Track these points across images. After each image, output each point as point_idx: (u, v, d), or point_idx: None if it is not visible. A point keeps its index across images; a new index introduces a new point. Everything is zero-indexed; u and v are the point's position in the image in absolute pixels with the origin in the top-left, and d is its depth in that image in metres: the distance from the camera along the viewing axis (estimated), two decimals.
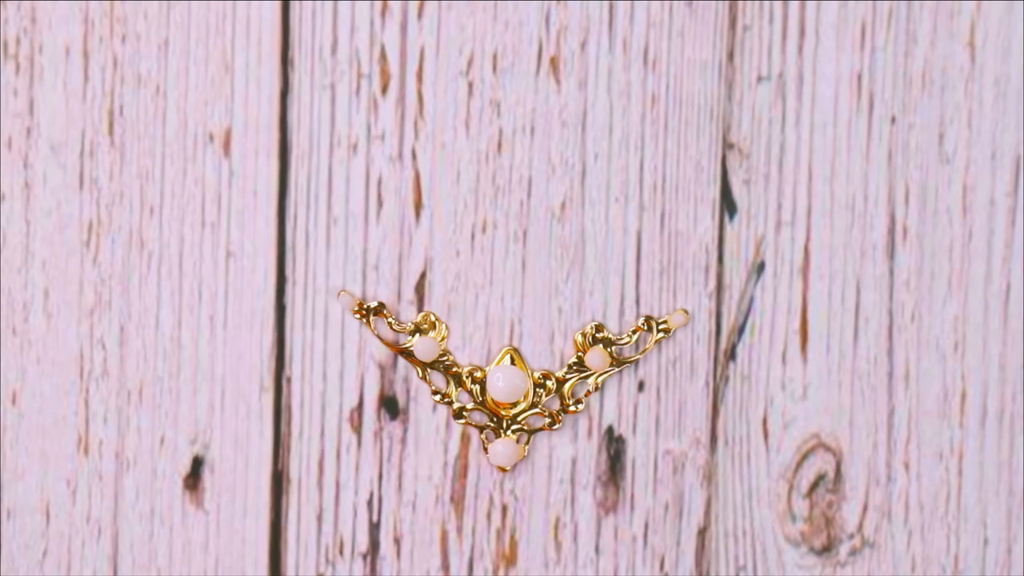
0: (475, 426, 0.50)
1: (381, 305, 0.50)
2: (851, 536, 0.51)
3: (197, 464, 0.51)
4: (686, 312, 0.50)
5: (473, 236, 0.50)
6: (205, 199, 0.50)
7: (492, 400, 0.50)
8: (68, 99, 0.50)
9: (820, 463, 0.51)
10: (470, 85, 0.50)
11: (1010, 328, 0.51)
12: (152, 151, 0.50)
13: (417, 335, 0.50)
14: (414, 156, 0.50)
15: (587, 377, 0.50)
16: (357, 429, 0.51)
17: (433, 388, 0.50)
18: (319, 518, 0.51)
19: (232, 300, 0.50)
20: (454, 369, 0.50)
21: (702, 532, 0.51)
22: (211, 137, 0.50)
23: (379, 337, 0.50)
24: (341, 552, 0.51)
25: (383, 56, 0.50)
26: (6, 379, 0.51)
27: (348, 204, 0.50)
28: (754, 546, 0.51)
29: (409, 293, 0.50)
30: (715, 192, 0.50)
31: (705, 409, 0.51)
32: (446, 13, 0.50)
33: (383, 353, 0.50)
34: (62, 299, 0.50)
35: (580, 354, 0.50)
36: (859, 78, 0.50)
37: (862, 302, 0.51)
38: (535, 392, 0.50)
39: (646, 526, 0.51)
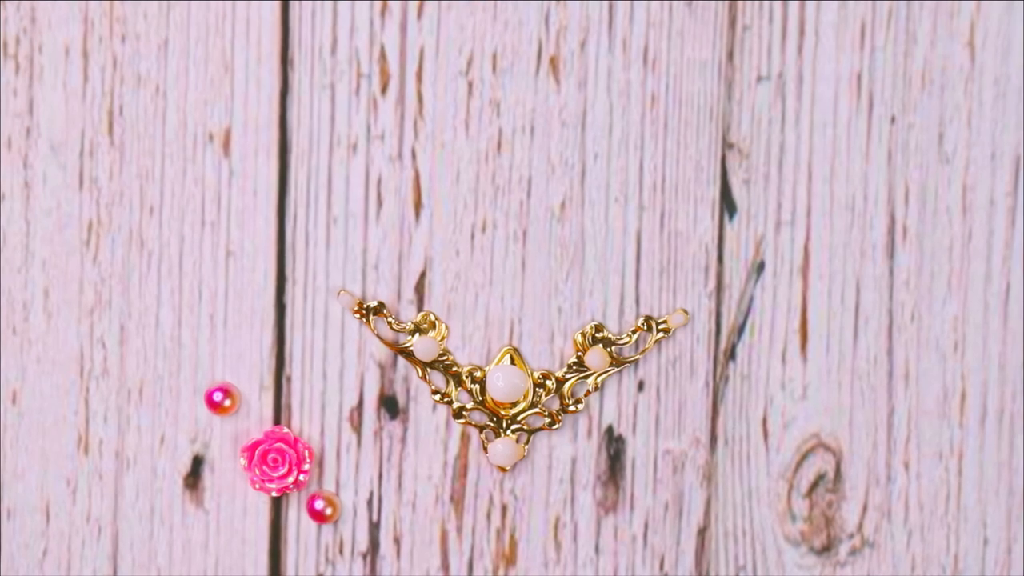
0: (475, 426, 0.50)
1: (381, 305, 0.50)
2: (851, 536, 0.51)
3: (197, 463, 0.51)
4: (686, 312, 0.50)
5: (473, 236, 0.50)
6: (205, 199, 0.50)
7: (492, 400, 0.50)
8: (68, 99, 0.50)
9: (820, 463, 0.51)
10: (470, 85, 0.50)
11: (1010, 328, 0.51)
12: (152, 151, 0.50)
13: (417, 335, 0.50)
14: (414, 156, 0.50)
15: (587, 377, 0.50)
16: (357, 428, 0.51)
17: (433, 388, 0.50)
18: None
19: (232, 299, 0.50)
20: (454, 369, 0.50)
21: (702, 532, 0.51)
22: (211, 137, 0.50)
23: (379, 337, 0.50)
24: (341, 552, 0.51)
25: (383, 56, 0.50)
26: (6, 378, 0.51)
27: (348, 204, 0.50)
28: (754, 546, 0.51)
29: (409, 293, 0.50)
30: (715, 192, 0.50)
31: (705, 409, 0.51)
32: (446, 13, 0.50)
33: (383, 352, 0.50)
34: (62, 298, 0.50)
35: (580, 354, 0.50)
36: (859, 78, 0.50)
37: (862, 302, 0.51)
38: (535, 392, 0.50)
39: (646, 526, 0.51)
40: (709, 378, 0.51)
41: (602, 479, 0.51)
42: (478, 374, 0.50)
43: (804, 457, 0.51)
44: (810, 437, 0.51)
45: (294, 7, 0.50)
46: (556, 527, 0.51)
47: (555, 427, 0.50)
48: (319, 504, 0.50)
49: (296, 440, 0.50)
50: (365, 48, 0.50)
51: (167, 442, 0.51)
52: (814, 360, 0.51)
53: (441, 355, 0.50)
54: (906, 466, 0.51)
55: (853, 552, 0.51)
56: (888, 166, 0.50)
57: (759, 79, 0.50)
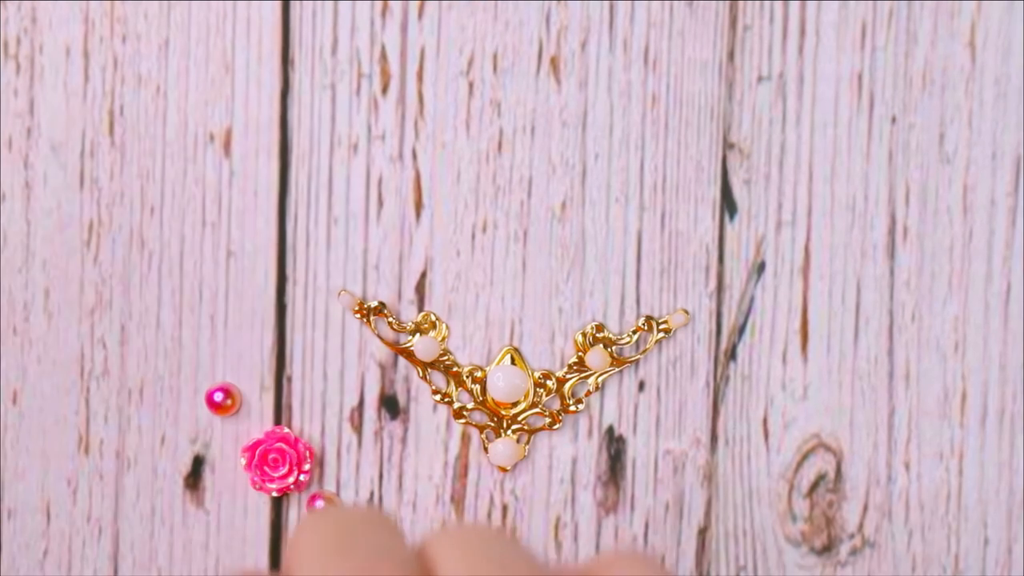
0: (475, 426, 0.50)
1: (381, 305, 0.50)
2: (851, 536, 0.51)
3: (198, 463, 0.51)
4: (686, 312, 0.50)
5: (473, 236, 0.50)
6: (206, 199, 0.50)
7: (492, 400, 0.50)
8: (68, 99, 0.50)
9: (820, 463, 0.51)
10: (470, 85, 0.50)
11: (1010, 328, 0.51)
12: (152, 151, 0.50)
13: (417, 335, 0.50)
14: (414, 156, 0.50)
15: (587, 377, 0.50)
16: (357, 428, 0.51)
17: (433, 388, 0.50)
18: None
19: (233, 299, 0.50)
20: (454, 369, 0.50)
21: (702, 532, 0.51)
22: (211, 137, 0.50)
23: (379, 337, 0.50)
24: None
25: (383, 56, 0.50)
26: (7, 378, 0.51)
27: (348, 204, 0.50)
28: (754, 546, 0.51)
29: (409, 293, 0.50)
30: (715, 192, 0.50)
31: (705, 409, 0.51)
32: (446, 13, 0.50)
33: (383, 353, 0.50)
34: (63, 299, 0.50)
35: (580, 354, 0.50)
36: (859, 78, 0.50)
37: (862, 302, 0.51)
38: (535, 392, 0.50)
39: (646, 526, 0.51)
40: (710, 378, 0.51)
41: (603, 479, 0.51)
42: (479, 374, 0.50)
43: (805, 457, 0.51)
44: (811, 437, 0.51)
45: (295, 7, 0.50)
46: (557, 527, 0.51)
47: (556, 427, 0.50)
48: (320, 504, 0.50)
49: (297, 440, 0.50)
50: (366, 48, 0.50)
51: (168, 442, 0.51)
52: (815, 360, 0.51)
53: (442, 355, 0.50)
54: (907, 466, 0.51)
55: (854, 552, 0.51)
56: (889, 166, 0.50)
57: (760, 79, 0.50)
